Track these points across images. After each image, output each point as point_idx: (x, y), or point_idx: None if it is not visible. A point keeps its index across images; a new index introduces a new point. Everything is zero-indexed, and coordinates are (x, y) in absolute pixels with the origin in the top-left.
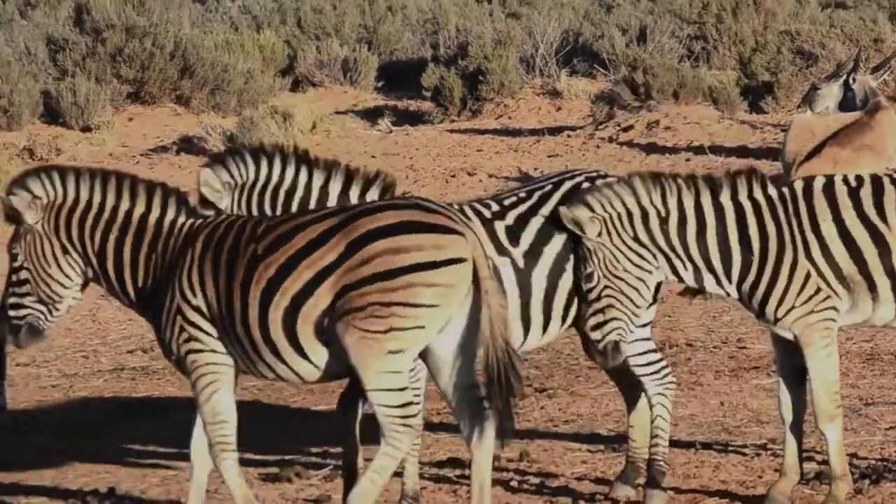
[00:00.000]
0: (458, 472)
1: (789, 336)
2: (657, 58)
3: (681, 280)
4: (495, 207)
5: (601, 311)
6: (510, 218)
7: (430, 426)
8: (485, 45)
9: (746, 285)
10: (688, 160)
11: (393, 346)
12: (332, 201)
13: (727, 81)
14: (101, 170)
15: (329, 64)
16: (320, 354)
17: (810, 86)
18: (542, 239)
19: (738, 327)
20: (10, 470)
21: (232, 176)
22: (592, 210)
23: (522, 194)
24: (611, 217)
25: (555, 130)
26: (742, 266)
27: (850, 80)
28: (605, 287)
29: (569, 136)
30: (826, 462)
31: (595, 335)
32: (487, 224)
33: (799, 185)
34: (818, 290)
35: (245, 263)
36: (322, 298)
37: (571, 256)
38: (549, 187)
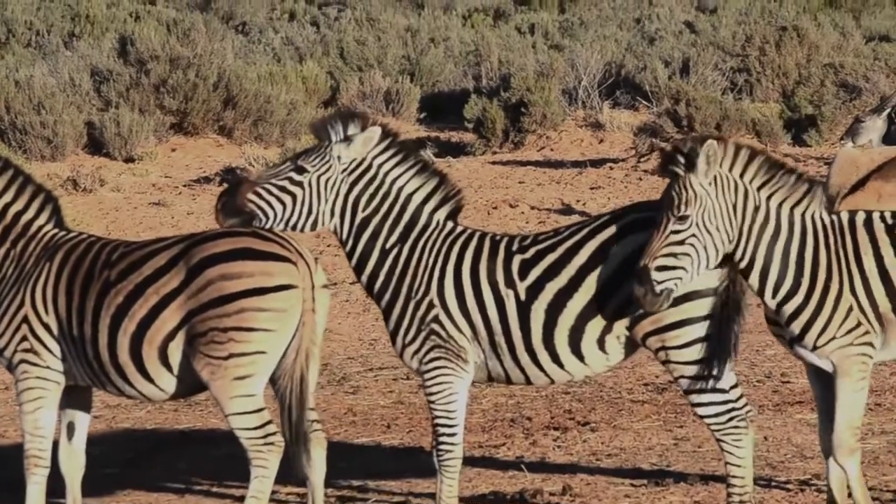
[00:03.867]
0: None
1: (826, 365)
2: (700, 90)
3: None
4: (526, 242)
5: (676, 255)
6: (530, 252)
7: (470, 460)
8: (527, 76)
9: (791, 306)
10: None
11: (237, 372)
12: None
13: (770, 114)
14: (6, 160)
15: (371, 95)
16: (164, 378)
17: (854, 119)
18: (548, 275)
19: (782, 361)
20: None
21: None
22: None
23: (562, 229)
24: (726, 178)
25: (597, 162)
26: (792, 285)
27: (894, 114)
28: (692, 236)
29: (611, 168)
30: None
31: (659, 276)
32: (508, 257)
33: (845, 217)
34: (859, 323)
35: (98, 289)
36: (166, 323)
37: (575, 295)
38: (591, 223)
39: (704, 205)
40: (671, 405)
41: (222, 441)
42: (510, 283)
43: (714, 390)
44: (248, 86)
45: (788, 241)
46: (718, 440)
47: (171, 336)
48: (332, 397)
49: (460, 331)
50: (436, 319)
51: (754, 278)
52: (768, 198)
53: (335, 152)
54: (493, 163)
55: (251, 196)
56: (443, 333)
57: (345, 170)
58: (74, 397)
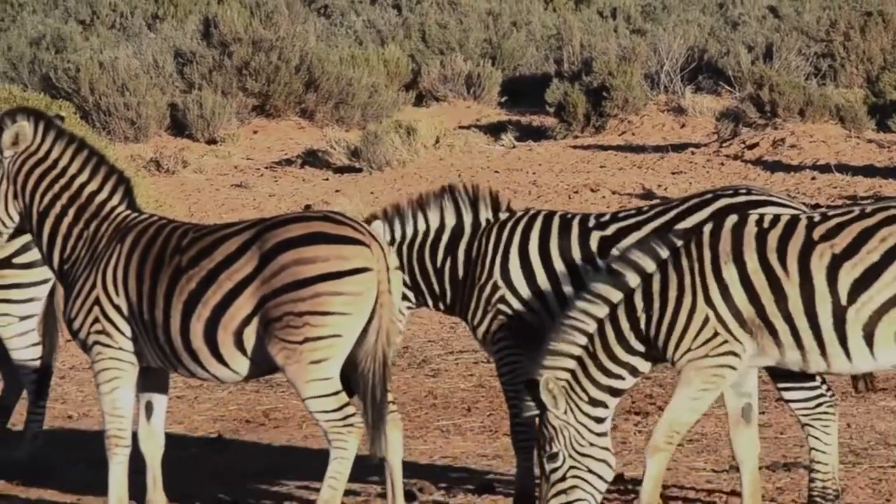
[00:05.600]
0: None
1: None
2: (783, 75)
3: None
4: (605, 219)
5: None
6: (611, 230)
7: None
8: (609, 61)
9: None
10: (813, 179)
11: (313, 356)
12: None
13: (854, 100)
14: (81, 139)
15: (453, 79)
16: (238, 361)
17: None
18: None
19: None
20: (134, 480)
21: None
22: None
23: (645, 208)
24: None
25: (679, 147)
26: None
27: None
28: None
29: (693, 153)
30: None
31: None
32: (585, 233)
33: (709, 226)
34: (715, 334)
35: (169, 274)
36: (241, 309)
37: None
38: (678, 204)
39: None
40: None
41: (303, 421)
42: (589, 260)
43: (800, 377)
44: (329, 69)
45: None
46: (805, 426)
47: (246, 321)
48: (412, 380)
49: (531, 310)
50: (502, 300)
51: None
52: None
53: None
54: (575, 147)
55: None
56: (510, 313)
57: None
58: (152, 378)
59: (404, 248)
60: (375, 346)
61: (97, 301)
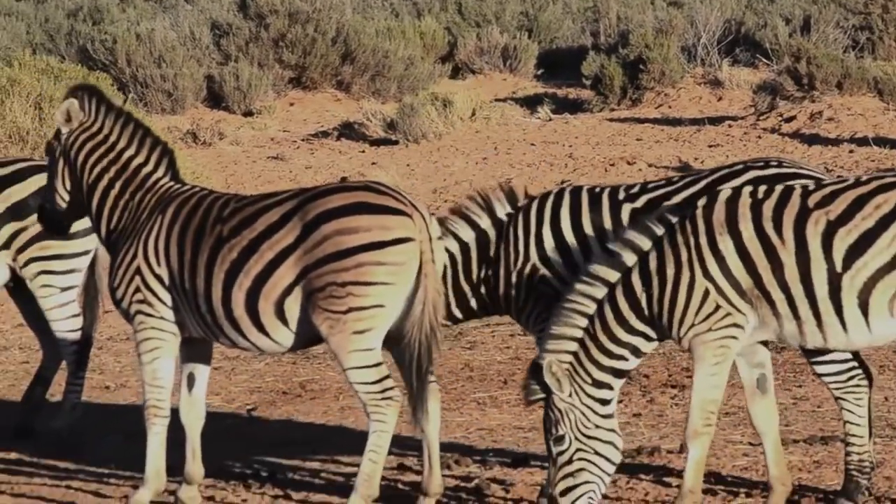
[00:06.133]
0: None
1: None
2: (821, 48)
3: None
4: (635, 190)
5: None
6: (641, 201)
7: None
8: (646, 33)
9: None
10: (851, 152)
11: (356, 326)
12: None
13: (892, 72)
14: (128, 113)
15: (489, 51)
16: (280, 331)
17: None
18: None
19: None
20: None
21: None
22: None
23: (675, 179)
24: None
25: (716, 120)
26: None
27: None
28: None
29: (730, 126)
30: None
31: None
32: (616, 205)
33: (703, 200)
34: (717, 307)
35: (210, 244)
36: (283, 278)
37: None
38: (707, 175)
39: None
40: (790, 364)
41: (339, 392)
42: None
43: (834, 350)
44: (366, 41)
45: None
46: (838, 399)
47: (287, 291)
48: (449, 352)
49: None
50: (542, 280)
51: None
52: None
53: None
54: (611, 120)
55: None
56: (550, 292)
57: None
58: (194, 349)
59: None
60: (422, 317)
61: (138, 271)
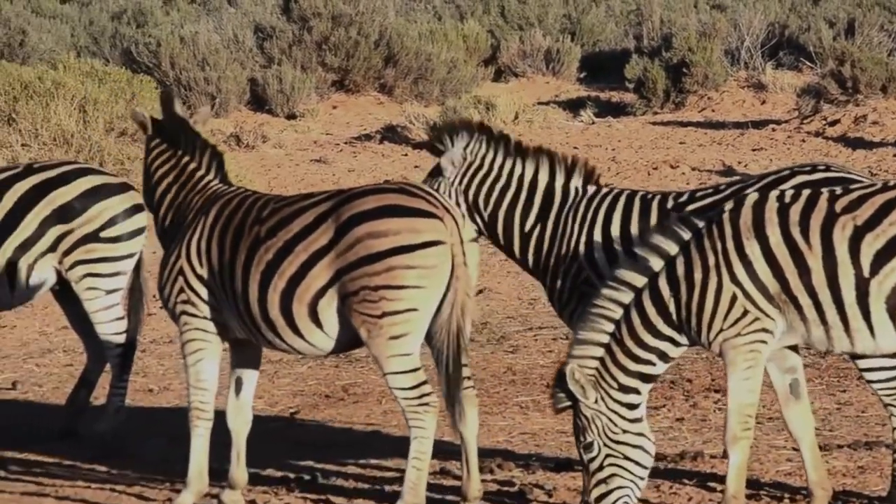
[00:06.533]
0: (660, 465)
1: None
2: (865, 51)
3: None
4: (683, 199)
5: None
6: (689, 209)
7: None
8: (689, 36)
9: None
10: (895, 156)
11: (392, 331)
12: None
13: None
14: (182, 118)
15: (532, 54)
16: (315, 334)
17: None
18: None
19: None
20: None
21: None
22: None
23: (722, 186)
24: None
25: (759, 124)
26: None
27: None
28: None
29: (773, 129)
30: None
31: None
32: (664, 214)
33: (729, 204)
34: (745, 312)
35: (248, 244)
36: (316, 280)
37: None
38: (754, 182)
39: None
40: (834, 369)
41: (382, 396)
42: None
43: (882, 355)
44: (409, 44)
45: None
46: (888, 406)
47: (320, 293)
48: (491, 356)
49: None
50: (587, 281)
51: None
52: None
53: (443, 165)
54: (654, 123)
55: None
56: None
57: (453, 182)
58: (243, 354)
59: (491, 173)
60: (450, 320)
61: (182, 271)
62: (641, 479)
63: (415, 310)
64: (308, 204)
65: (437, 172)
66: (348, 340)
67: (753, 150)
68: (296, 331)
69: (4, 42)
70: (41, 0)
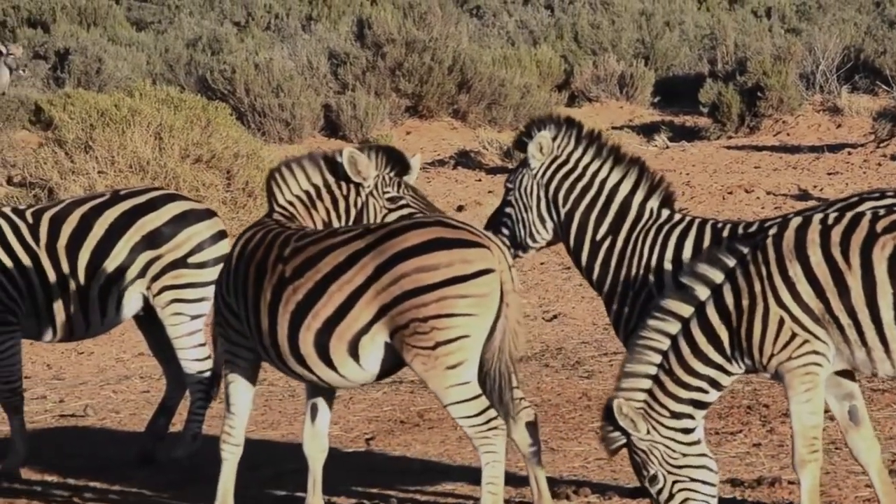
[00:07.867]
0: (737, 491)
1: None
2: None
3: None
4: (752, 228)
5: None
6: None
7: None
8: (764, 60)
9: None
10: None
11: (447, 361)
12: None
13: None
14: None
15: (605, 79)
16: (349, 366)
17: None
18: None
19: None
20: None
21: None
22: None
23: (790, 215)
24: None
25: (835, 148)
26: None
27: None
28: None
29: (849, 153)
30: None
31: None
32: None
33: (774, 228)
34: (794, 335)
35: (273, 284)
36: (357, 320)
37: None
38: (823, 209)
39: None
40: None
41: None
42: None
43: None
44: (482, 69)
45: None
46: None
47: (363, 331)
48: (566, 381)
49: None
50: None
51: None
52: None
53: (531, 153)
54: (729, 147)
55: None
56: None
57: (536, 174)
58: None
59: (574, 171)
60: (501, 346)
61: (218, 296)
62: (713, 496)
63: (467, 336)
64: (336, 242)
65: (522, 165)
66: (382, 371)
67: (829, 174)
68: (328, 363)
69: (82, 70)
70: (117, 28)
